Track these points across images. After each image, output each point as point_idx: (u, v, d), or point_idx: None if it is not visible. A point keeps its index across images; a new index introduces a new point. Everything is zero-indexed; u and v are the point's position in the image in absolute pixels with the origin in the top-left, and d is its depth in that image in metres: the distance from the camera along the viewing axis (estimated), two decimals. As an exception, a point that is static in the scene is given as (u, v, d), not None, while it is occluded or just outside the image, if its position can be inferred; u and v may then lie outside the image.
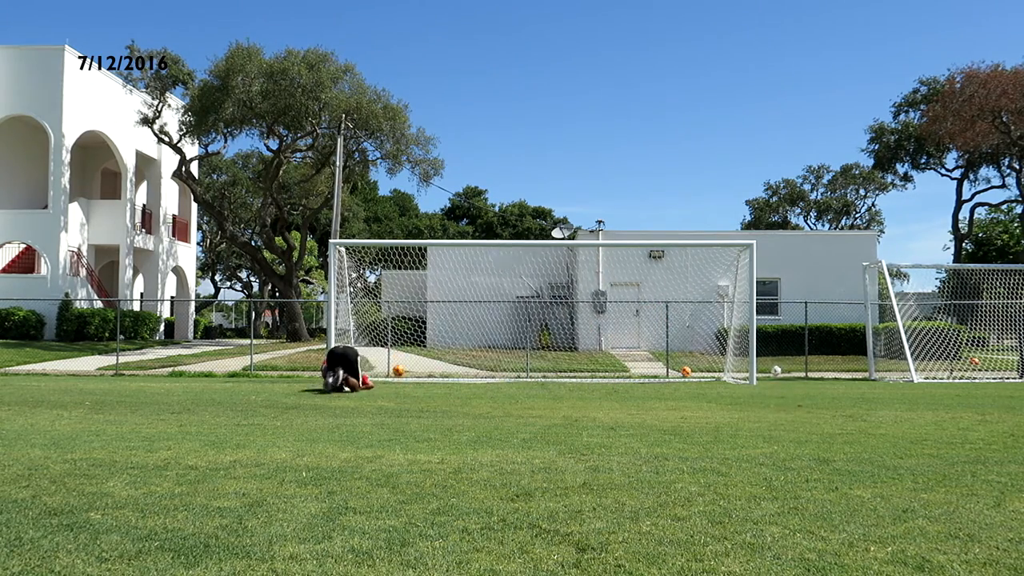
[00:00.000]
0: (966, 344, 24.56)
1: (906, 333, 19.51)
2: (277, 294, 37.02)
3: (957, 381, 18.59)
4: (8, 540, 3.82)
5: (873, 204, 54.83)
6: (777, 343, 24.67)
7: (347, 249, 19.80)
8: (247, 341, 29.40)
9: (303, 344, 29.60)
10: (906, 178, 48.93)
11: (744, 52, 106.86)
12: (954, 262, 42.04)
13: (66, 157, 28.66)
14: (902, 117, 44.99)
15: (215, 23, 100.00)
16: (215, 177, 42.86)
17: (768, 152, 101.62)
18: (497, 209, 64.25)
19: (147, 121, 30.13)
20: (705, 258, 25.69)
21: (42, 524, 4.12)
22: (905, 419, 9.56)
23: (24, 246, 29.98)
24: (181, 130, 30.40)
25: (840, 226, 53.81)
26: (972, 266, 26.75)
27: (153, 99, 30.09)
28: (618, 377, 19.20)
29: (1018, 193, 40.81)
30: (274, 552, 3.65)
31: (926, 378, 18.97)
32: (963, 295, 27.76)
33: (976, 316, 25.06)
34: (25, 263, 30.39)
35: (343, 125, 28.33)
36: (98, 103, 30.11)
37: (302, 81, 27.80)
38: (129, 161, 31.84)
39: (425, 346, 27.17)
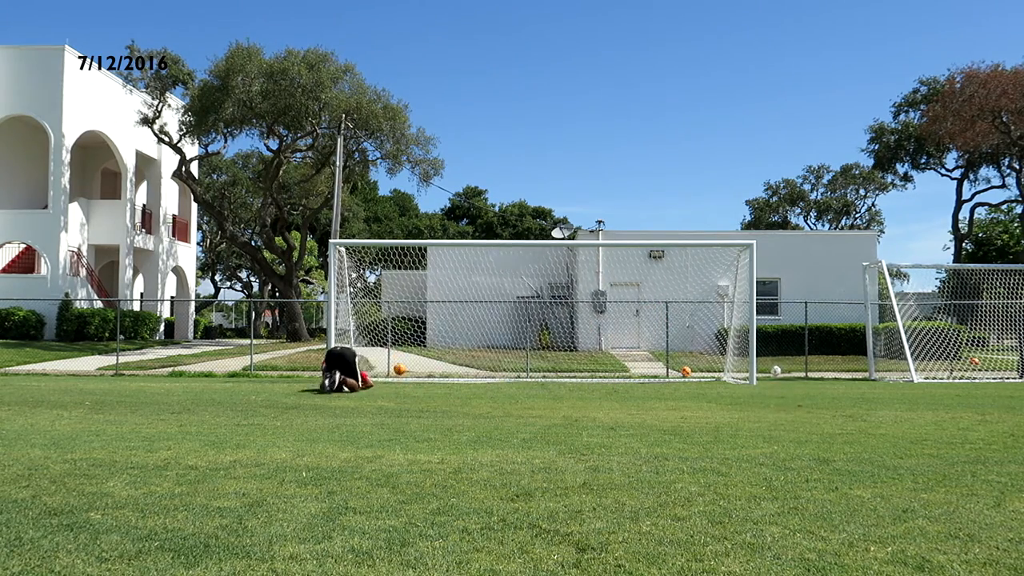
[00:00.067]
0: (966, 344, 24.56)
1: (906, 333, 19.51)
2: (277, 294, 37.02)
3: (957, 381, 18.59)
4: (8, 540, 3.82)
5: (873, 204, 54.89)
6: (777, 343, 24.68)
7: (347, 249, 19.80)
8: (247, 341, 29.40)
9: (303, 344, 29.60)
10: (906, 178, 48.94)
11: (744, 52, 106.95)
12: (954, 262, 42.04)
13: (66, 157, 28.66)
14: (902, 117, 45.01)
15: (215, 23, 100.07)
16: (215, 177, 42.86)
17: (768, 152, 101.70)
18: (497, 209, 64.25)
19: (147, 121, 30.13)
20: (705, 258, 25.69)
21: (42, 524, 4.12)
22: (905, 419, 9.56)
23: (24, 246, 29.98)
24: (181, 130, 30.40)
25: (840, 226, 53.81)
26: (972, 266, 26.75)
27: (153, 99, 30.09)
28: (618, 377, 19.20)
29: (1018, 193, 40.82)
30: (274, 552, 3.65)
31: (926, 378, 18.97)
32: (963, 295, 27.76)
33: (976, 316, 25.06)
34: (25, 263, 30.39)
35: (343, 125, 28.33)
36: (98, 103, 30.11)
37: (302, 81, 27.80)
38: (129, 161, 31.84)
39: (425, 346, 27.17)
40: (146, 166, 34.27)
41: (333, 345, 16.08)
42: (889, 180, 50.79)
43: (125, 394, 12.56)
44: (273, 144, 31.46)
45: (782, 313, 27.19)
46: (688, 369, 20.16)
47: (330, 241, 18.93)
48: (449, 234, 59.46)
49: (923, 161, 45.81)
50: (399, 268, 33.07)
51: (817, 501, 4.78)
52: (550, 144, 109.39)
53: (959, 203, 44.35)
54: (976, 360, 23.21)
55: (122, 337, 25.49)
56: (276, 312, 47.68)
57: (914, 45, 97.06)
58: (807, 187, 55.08)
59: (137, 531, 3.99)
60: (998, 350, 25.17)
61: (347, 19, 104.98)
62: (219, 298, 54.60)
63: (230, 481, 5.27)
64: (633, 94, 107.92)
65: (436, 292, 27.68)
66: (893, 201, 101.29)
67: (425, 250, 29.20)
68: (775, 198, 55.28)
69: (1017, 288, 22.11)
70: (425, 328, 28.00)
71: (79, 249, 30.02)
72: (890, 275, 24.07)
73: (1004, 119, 34.41)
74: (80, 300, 29.03)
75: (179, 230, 36.66)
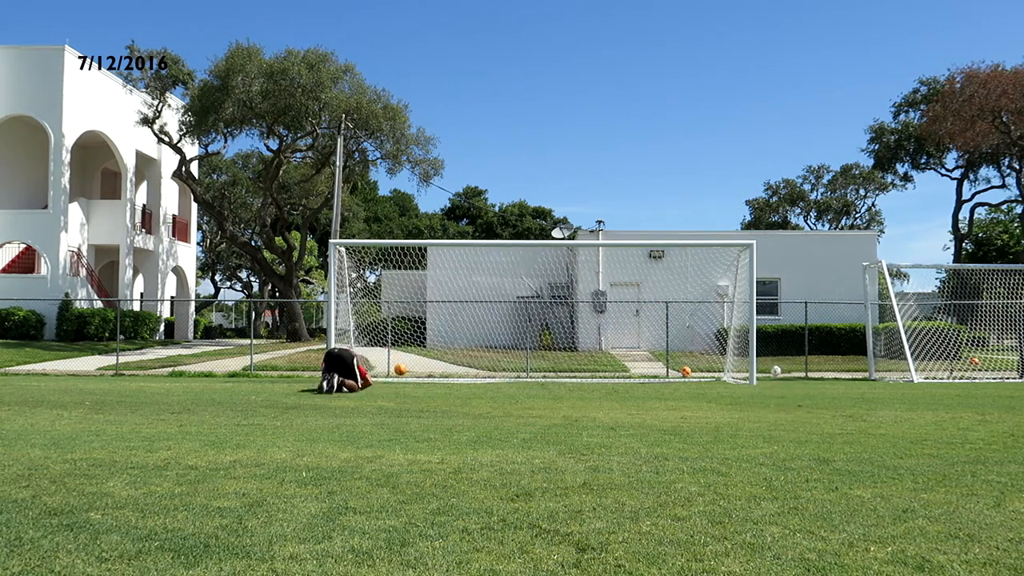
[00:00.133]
0: (966, 344, 24.56)
1: (906, 333, 19.51)
2: (277, 294, 37.02)
3: (957, 381, 18.59)
4: (8, 540, 3.81)
5: (873, 204, 54.91)
6: (777, 343, 24.68)
7: (347, 249, 19.80)
8: (247, 341, 29.40)
9: (303, 344, 29.60)
10: (906, 178, 48.95)
11: (744, 52, 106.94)
12: (954, 262, 42.04)
13: (66, 157, 28.66)
14: (902, 117, 45.02)
15: (215, 23, 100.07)
16: (215, 177, 42.87)
17: (768, 152, 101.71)
18: (497, 209, 64.25)
19: (147, 121, 30.13)
20: (705, 258, 25.70)
21: (42, 524, 4.12)
22: (905, 419, 9.55)
23: (24, 246, 29.99)
24: (181, 130, 30.40)
25: (840, 226, 53.82)
26: (972, 266, 26.76)
27: (153, 99, 30.09)
28: (618, 377, 19.20)
29: (1018, 193, 40.83)
30: (274, 552, 3.65)
31: (926, 378, 18.97)
32: (963, 295, 27.76)
33: (976, 316, 25.06)
34: (25, 263, 30.39)
35: (343, 125, 28.33)
36: (98, 103, 30.11)
37: (302, 81, 27.80)
38: (129, 161, 31.84)
39: (425, 346, 27.17)
40: (146, 166, 34.28)
41: (332, 346, 16.08)
42: (889, 180, 50.82)
43: (125, 394, 12.56)
44: (273, 144, 31.48)
45: (782, 313, 27.19)
46: (688, 369, 20.16)
47: (330, 241, 18.93)
48: (449, 234, 59.45)
49: (923, 161, 45.82)
50: (399, 268, 33.07)
51: (817, 501, 4.77)
52: (550, 144, 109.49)
53: (959, 203, 44.37)
54: (976, 360, 23.21)
55: (122, 337, 25.49)
56: (276, 312, 47.69)
57: (914, 45, 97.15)
58: (807, 187, 55.11)
59: (137, 531, 3.98)
60: (998, 350, 25.17)
61: (347, 19, 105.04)
62: (219, 298, 54.61)
63: (230, 481, 5.26)
64: (633, 94, 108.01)
65: (436, 292, 27.68)
66: (893, 201, 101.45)
67: (425, 250, 29.20)
68: (775, 198, 55.29)
69: (1017, 288, 22.11)
70: (425, 328, 28.00)
71: (79, 249, 30.02)
72: (890, 275, 24.07)
73: (1004, 119, 34.41)
74: (80, 300, 29.03)
75: (179, 230, 36.67)
